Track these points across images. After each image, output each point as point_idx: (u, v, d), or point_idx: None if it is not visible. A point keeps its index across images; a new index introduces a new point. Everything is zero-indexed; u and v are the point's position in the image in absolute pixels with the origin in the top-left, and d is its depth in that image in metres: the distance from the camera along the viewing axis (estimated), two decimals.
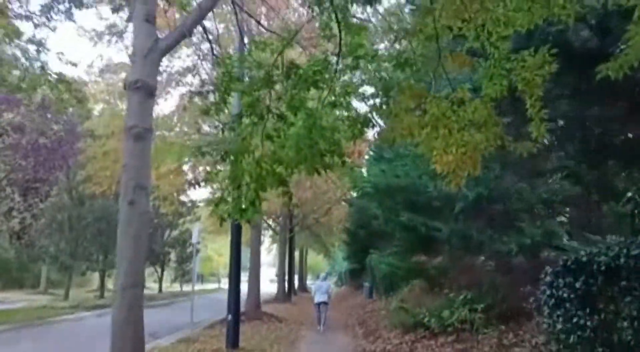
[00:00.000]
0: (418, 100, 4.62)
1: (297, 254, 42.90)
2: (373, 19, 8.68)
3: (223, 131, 5.68)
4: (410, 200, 13.23)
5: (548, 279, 6.76)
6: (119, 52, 37.30)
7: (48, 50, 10.42)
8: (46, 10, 9.37)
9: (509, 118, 6.06)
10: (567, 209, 12.43)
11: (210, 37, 11.33)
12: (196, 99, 8.66)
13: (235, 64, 5.17)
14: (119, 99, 20.26)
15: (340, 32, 4.77)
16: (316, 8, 4.81)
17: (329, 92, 5.13)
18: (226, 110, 5.69)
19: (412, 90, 4.61)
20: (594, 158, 8.56)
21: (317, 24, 7.21)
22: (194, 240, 17.47)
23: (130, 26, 8.93)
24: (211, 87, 5.88)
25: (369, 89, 5.89)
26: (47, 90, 11.04)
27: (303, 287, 46.43)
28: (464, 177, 4.54)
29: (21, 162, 22.68)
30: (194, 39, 13.41)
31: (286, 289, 31.26)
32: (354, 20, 5.21)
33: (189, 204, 36.34)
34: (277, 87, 5.13)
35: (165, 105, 70.19)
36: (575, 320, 6.14)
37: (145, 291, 9.27)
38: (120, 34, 12.15)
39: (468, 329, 10.10)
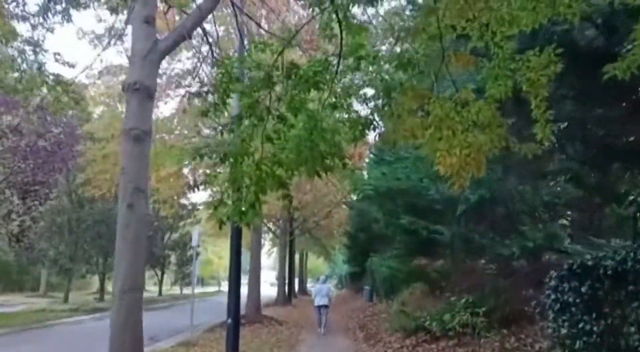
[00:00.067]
0: (421, 101, 4.55)
1: (297, 257, 42.83)
2: (374, 21, 8.60)
3: (222, 133, 5.61)
4: (411, 203, 13.17)
5: (553, 283, 6.67)
6: (119, 54, 37.28)
7: (46, 51, 10.34)
8: (43, 10, 9.30)
9: (513, 119, 5.98)
10: (569, 212, 12.36)
11: (210, 40, 11.29)
12: (196, 101, 8.58)
13: (234, 64, 5.10)
14: (119, 102, 20.19)
15: (341, 32, 4.70)
16: (317, 8, 4.74)
17: (329, 93, 5.06)
18: (225, 112, 5.62)
19: (414, 91, 4.54)
20: (598, 160, 8.49)
21: (317, 26, 7.16)
22: (194, 243, 17.40)
23: (130, 28, 8.88)
24: (210, 88, 5.80)
25: (370, 91, 5.82)
26: (45, 91, 10.95)
27: (303, 290, 46.41)
28: (467, 179, 4.46)
29: (20, 164, 22.60)
30: (194, 41, 13.37)
31: (286, 292, 31.20)
32: (355, 21, 5.13)
33: (189, 207, 36.32)
34: (277, 88, 5.06)
35: (165, 108, 70.18)
36: (581, 325, 6.05)
37: (145, 294, 9.21)
38: (119, 36, 12.07)
39: (470, 333, 10.03)
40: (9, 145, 21.68)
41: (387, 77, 5.14)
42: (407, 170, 13.32)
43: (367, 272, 25.17)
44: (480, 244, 10.97)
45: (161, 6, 10.47)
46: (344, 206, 29.66)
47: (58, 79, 9.78)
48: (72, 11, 9.81)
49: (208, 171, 16.63)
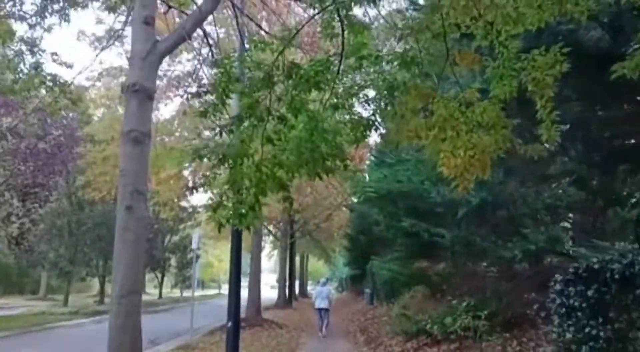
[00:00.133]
0: (425, 100, 4.47)
1: (297, 260, 42.79)
2: (375, 24, 8.56)
3: (221, 134, 5.53)
4: (412, 205, 13.11)
5: (558, 287, 6.56)
6: (119, 56, 37.23)
7: (43, 51, 10.27)
8: (40, 10, 9.24)
9: (517, 120, 5.89)
10: (571, 214, 12.29)
11: (211, 42, 11.23)
12: (196, 103, 8.52)
13: (234, 64, 5.03)
14: (120, 104, 20.18)
15: (343, 31, 4.62)
16: (318, 6, 4.67)
17: (330, 94, 4.98)
18: (225, 113, 5.55)
19: (418, 90, 4.45)
20: (603, 162, 8.41)
21: (318, 29, 7.09)
22: (194, 246, 17.37)
23: (129, 29, 8.83)
24: (209, 88, 5.73)
25: (372, 92, 5.74)
26: (43, 92, 10.91)
27: (304, 293, 46.37)
28: (472, 180, 4.38)
29: (20, 167, 22.54)
30: (195, 43, 13.33)
31: (287, 295, 31.14)
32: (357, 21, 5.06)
33: (190, 210, 36.31)
34: (278, 88, 4.98)
35: (166, 110, 70.21)
36: (587, 330, 5.93)
37: (146, 297, 9.16)
38: (117, 37, 12.02)
39: (471, 336, 9.94)
40: (9, 147, 21.62)
41: (389, 77, 5.06)
42: (408, 172, 13.27)
43: (368, 275, 25.10)
44: (482, 247, 10.90)
45: (161, 9, 10.43)
46: (344, 209, 29.64)
47: (55, 79, 9.73)
48: (71, 12, 9.81)
49: (208, 173, 16.56)
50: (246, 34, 11.86)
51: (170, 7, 10.20)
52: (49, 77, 9.85)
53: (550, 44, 4.23)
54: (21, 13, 9.83)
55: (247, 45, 11.00)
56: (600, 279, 5.93)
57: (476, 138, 4.27)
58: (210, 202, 5.07)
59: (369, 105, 5.62)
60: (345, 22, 4.57)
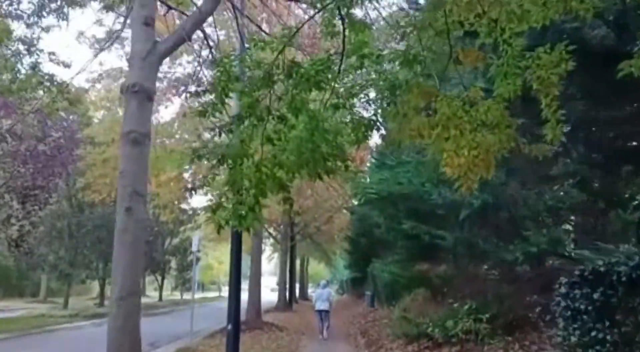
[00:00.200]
0: (428, 98, 4.40)
1: (298, 262, 42.73)
2: (376, 25, 8.51)
3: (220, 134, 5.46)
4: (413, 207, 13.07)
5: (563, 289, 6.49)
6: (119, 58, 37.20)
7: (41, 50, 10.24)
8: (37, 9, 9.20)
9: (522, 119, 5.83)
10: (572, 216, 12.24)
11: (211, 43, 11.19)
12: (196, 104, 8.48)
13: (234, 63, 4.96)
14: (120, 106, 20.13)
15: (344, 29, 4.56)
16: (318, 4, 4.61)
17: (331, 93, 4.91)
18: (225, 114, 5.48)
19: (420, 89, 4.39)
20: (607, 163, 8.35)
21: (318, 29, 7.03)
22: (194, 248, 17.30)
23: (129, 31, 8.79)
24: (208, 87, 5.67)
25: (372, 93, 5.68)
26: (41, 93, 10.87)
27: (304, 295, 46.32)
28: (476, 181, 4.31)
29: (20, 169, 22.50)
30: (195, 46, 13.29)
31: (287, 297, 31.08)
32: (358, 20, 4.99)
33: (190, 212, 36.24)
34: (278, 87, 4.92)
35: (166, 112, 70.20)
36: (593, 334, 5.84)
37: (146, 299, 9.11)
38: (117, 38, 11.98)
39: (473, 339, 9.89)
40: (9, 149, 21.58)
41: (390, 76, 5.00)
42: (409, 174, 13.21)
43: (369, 278, 25.08)
44: (483, 249, 10.85)
45: (162, 10, 10.39)
46: (345, 211, 29.57)
47: (53, 79, 9.70)
48: (70, 12, 9.76)
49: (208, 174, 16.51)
50: (246, 36, 11.82)
51: (170, 8, 10.16)
52: (46, 77, 9.81)
53: (555, 41, 4.17)
54: (18, 12, 9.81)
55: (247, 46, 10.97)
56: (606, 282, 5.85)
57: (480, 137, 4.20)
58: (209, 203, 4.98)
59: (370, 105, 5.56)
60: (346, 20, 4.50)
